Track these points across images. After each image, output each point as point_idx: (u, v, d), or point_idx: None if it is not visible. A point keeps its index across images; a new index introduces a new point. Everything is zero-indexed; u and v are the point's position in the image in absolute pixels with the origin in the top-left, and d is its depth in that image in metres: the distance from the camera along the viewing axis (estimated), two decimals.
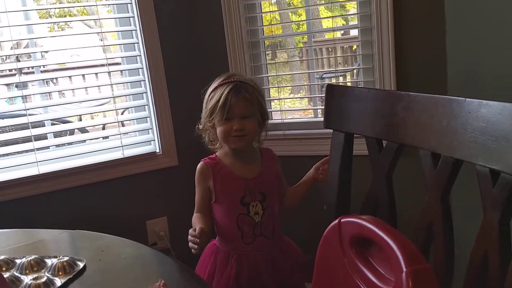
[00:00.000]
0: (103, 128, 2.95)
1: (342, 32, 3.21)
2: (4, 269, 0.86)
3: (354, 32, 2.71)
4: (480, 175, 0.78)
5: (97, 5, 1.90)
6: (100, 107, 2.56)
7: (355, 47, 2.87)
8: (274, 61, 2.18)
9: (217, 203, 1.34)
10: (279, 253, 1.35)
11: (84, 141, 2.15)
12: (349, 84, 2.60)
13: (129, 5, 1.92)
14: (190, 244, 1.16)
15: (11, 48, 1.88)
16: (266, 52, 2.04)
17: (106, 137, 2.17)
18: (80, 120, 2.98)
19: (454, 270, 0.87)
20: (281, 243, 1.38)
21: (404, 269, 0.70)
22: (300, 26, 3.95)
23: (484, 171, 0.76)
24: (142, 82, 1.99)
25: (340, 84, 2.39)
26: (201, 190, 1.36)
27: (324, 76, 3.15)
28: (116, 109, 1.97)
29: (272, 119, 2.08)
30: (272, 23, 2.01)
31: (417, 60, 1.70)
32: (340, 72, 2.31)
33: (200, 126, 1.39)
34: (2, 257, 0.90)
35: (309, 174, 1.42)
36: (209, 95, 1.34)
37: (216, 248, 1.36)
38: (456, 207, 0.91)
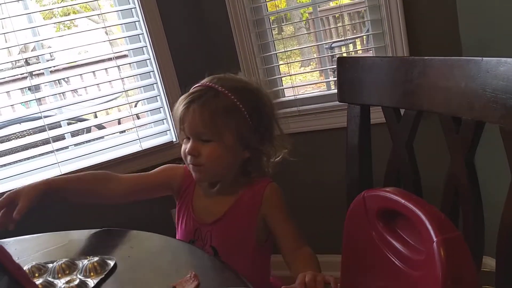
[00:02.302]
0: (119, 123, 2.97)
1: None
2: (36, 275, 0.87)
3: None
4: (504, 134, 0.75)
5: (98, 0, 1.88)
6: (113, 102, 2.56)
7: (362, 11, 2.79)
8: (281, 37, 2.14)
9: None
10: None
11: (102, 137, 2.17)
12: (360, 51, 2.55)
13: None
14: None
15: (19, 52, 1.88)
16: (272, 28, 2.01)
17: (123, 131, 2.19)
18: (96, 117, 3.01)
19: (485, 234, 0.85)
20: None
21: (435, 239, 0.69)
22: None
23: (508, 130, 0.74)
24: (151, 72, 1.98)
25: (351, 52, 2.34)
26: (158, 175, 1.13)
27: (333, 45, 3.09)
28: (129, 103, 1.97)
29: (284, 96, 2.05)
30: None
31: (428, 22, 1.65)
32: (349, 40, 2.26)
33: None
34: (34, 263, 0.91)
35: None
36: None
37: None
38: (481, 170, 0.89)
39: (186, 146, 1.02)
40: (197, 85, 1.05)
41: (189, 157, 1.01)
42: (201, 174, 1.03)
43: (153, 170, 1.16)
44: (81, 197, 1.10)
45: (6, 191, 1.68)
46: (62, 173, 1.80)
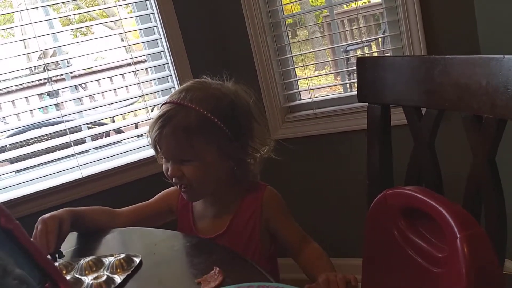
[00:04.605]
0: (136, 127, 3.01)
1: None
2: (64, 272, 0.89)
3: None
4: None
5: (116, 6, 1.92)
6: (131, 107, 2.60)
7: (377, 13, 2.80)
8: (296, 40, 2.15)
9: None
10: None
11: (120, 141, 2.20)
12: (375, 54, 2.56)
13: (147, 1, 1.93)
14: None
15: (39, 58, 1.92)
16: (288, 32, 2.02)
17: (140, 135, 2.21)
18: (113, 121, 3.05)
19: (508, 231, 0.85)
20: None
21: (458, 235, 0.69)
22: None
23: None
24: (169, 77, 2.01)
25: (366, 55, 2.34)
26: (157, 204, 1.14)
27: (348, 48, 3.10)
28: (147, 107, 2.00)
29: (300, 99, 2.07)
30: (292, 0, 1.98)
31: (445, 21, 1.65)
32: (365, 42, 2.27)
33: None
34: (61, 260, 0.94)
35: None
36: None
37: None
38: (503, 168, 0.89)
39: (166, 166, 1.00)
40: (166, 101, 1.00)
41: (173, 179, 1.00)
42: (190, 194, 1.03)
43: (151, 199, 1.17)
44: (92, 227, 1.09)
45: (29, 194, 1.75)
46: (83, 176, 1.83)
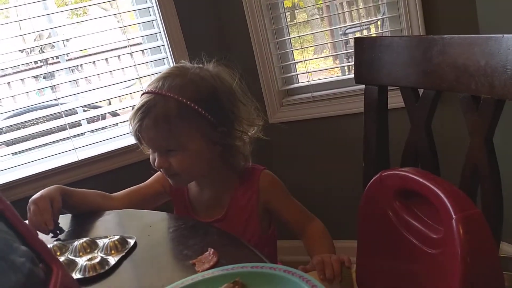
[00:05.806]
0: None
1: None
2: (58, 253, 0.89)
3: None
4: None
5: None
6: (127, 89, 2.57)
7: None
8: (294, 22, 2.12)
9: None
10: None
11: (116, 124, 2.18)
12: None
13: None
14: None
15: (34, 40, 1.90)
16: (285, 13, 1.99)
17: None
18: (110, 104, 3.03)
19: (504, 213, 0.85)
20: None
21: (454, 216, 0.69)
22: None
23: None
24: (165, 59, 1.98)
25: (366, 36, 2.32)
26: (152, 185, 1.12)
27: (347, 31, 3.07)
28: (143, 90, 1.97)
29: (298, 82, 2.05)
30: None
31: (444, 3, 1.63)
32: (364, 25, 2.24)
33: None
34: (55, 242, 0.93)
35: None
36: None
37: None
38: (500, 149, 0.88)
39: (153, 157, 0.98)
40: (145, 91, 0.98)
41: (161, 169, 0.99)
42: (178, 182, 1.02)
43: (146, 182, 1.15)
44: (86, 206, 1.09)
45: (25, 177, 1.74)
46: (79, 159, 1.82)
